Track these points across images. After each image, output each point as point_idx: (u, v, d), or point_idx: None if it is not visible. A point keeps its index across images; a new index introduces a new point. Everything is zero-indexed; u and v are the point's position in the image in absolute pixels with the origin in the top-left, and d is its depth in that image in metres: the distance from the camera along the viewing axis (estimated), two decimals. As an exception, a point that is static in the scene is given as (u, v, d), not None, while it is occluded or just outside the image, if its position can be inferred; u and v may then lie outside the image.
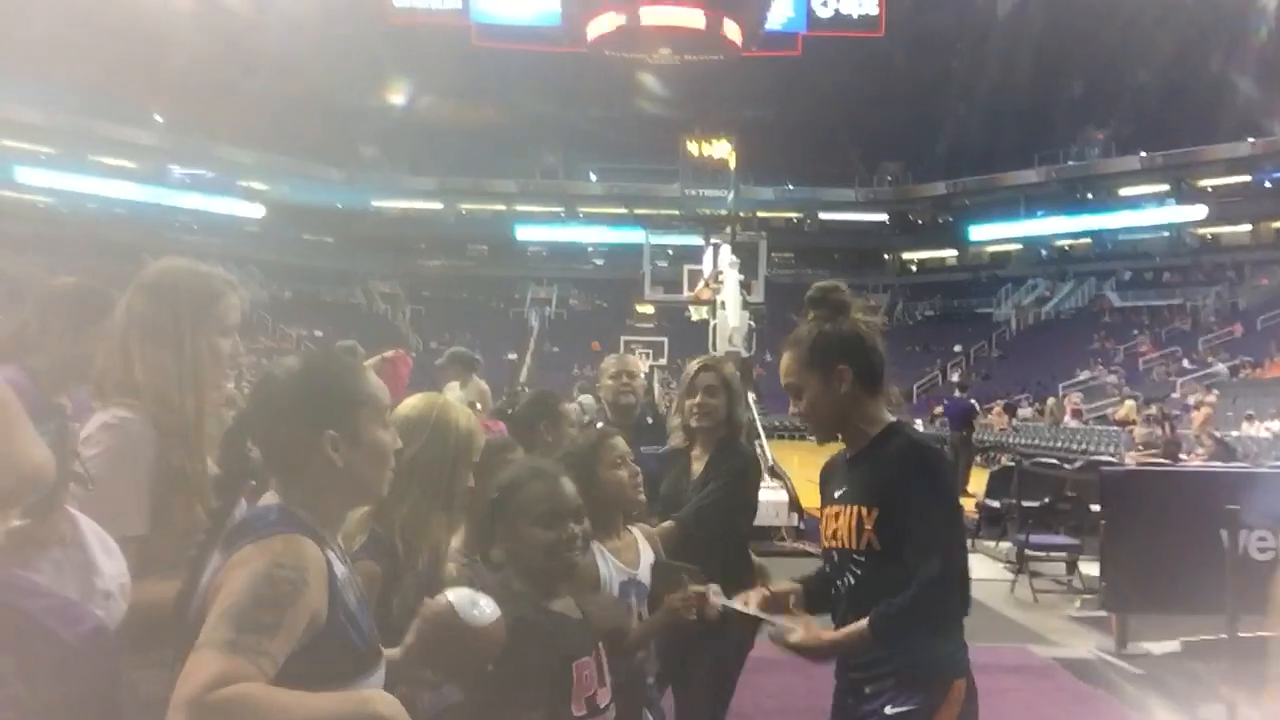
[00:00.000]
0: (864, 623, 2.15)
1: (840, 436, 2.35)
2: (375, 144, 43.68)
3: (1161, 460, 10.18)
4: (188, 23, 29.25)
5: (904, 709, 2.15)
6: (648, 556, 2.71)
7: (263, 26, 30.90)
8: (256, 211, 43.03)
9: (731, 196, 34.42)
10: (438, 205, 46.86)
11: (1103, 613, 7.01)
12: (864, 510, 2.20)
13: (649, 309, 35.16)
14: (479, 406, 6.26)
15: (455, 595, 1.86)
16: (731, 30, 33.74)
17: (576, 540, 2.16)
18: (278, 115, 35.26)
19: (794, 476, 10.53)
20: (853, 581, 2.26)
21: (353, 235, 45.37)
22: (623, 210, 46.45)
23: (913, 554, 2.12)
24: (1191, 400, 22.08)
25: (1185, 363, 29.06)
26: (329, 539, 1.56)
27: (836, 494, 2.32)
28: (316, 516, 1.54)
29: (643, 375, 4.25)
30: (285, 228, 43.46)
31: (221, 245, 39.31)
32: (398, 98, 39.57)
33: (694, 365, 3.55)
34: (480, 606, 1.85)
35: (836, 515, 2.29)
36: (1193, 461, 10.61)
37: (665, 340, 31.24)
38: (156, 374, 1.94)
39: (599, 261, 46.74)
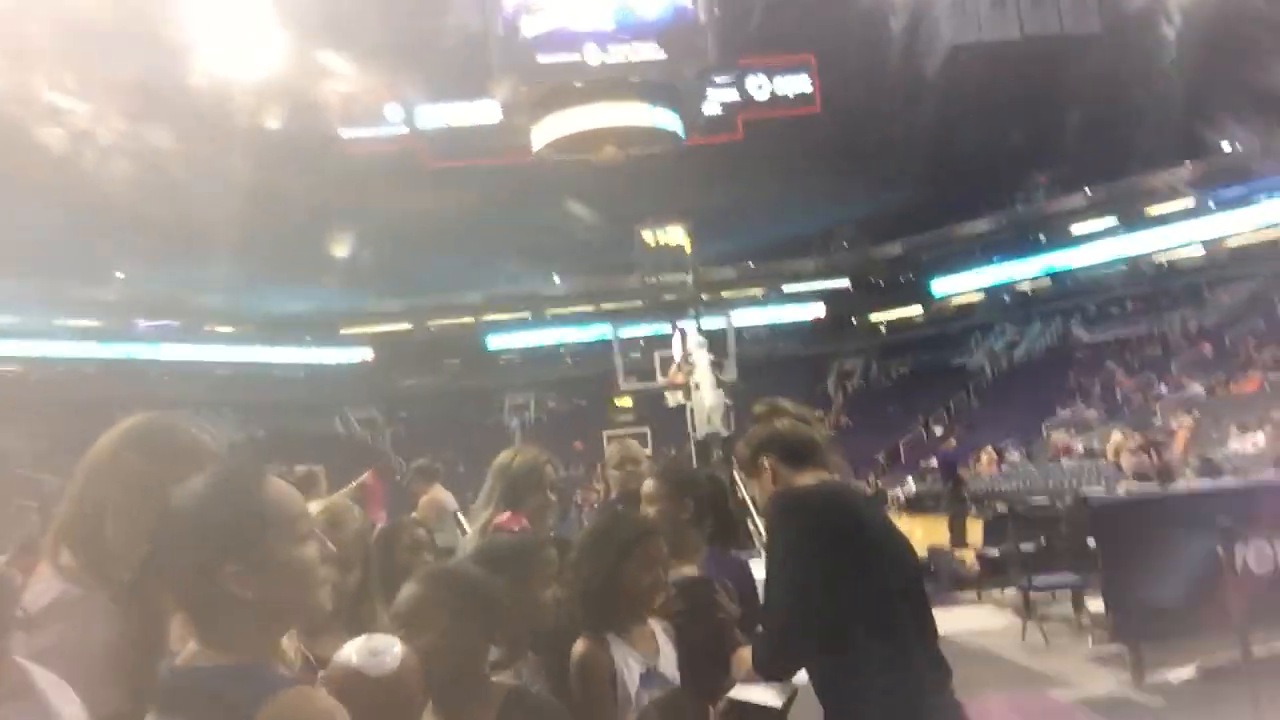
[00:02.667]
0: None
1: None
2: (338, 273, 44.01)
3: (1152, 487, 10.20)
4: (133, 181, 29.56)
5: None
6: (667, 650, 2.57)
7: (210, 172, 31.29)
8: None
9: (690, 279, 34.82)
10: (406, 325, 47.04)
11: (1117, 647, 6.95)
12: None
13: (627, 401, 35.17)
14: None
15: (354, 648, 1.74)
16: (672, 121, 34.56)
17: None
18: (237, 256, 35.53)
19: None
20: None
21: (325, 367, 45.45)
22: (589, 308, 46.84)
23: None
24: (1174, 424, 22.25)
25: (1162, 388, 29.28)
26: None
27: None
28: (254, 656, 1.41)
29: (646, 461, 4.13)
30: (255, 368, 43.49)
31: (194, 391, 39.25)
32: (356, 226, 40.02)
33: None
34: (380, 653, 1.73)
35: None
36: (1182, 484, 10.63)
37: (647, 430, 31.17)
38: (133, 533, 1.80)
39: (571, 361, 46.91)
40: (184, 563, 1.41)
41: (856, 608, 2.28)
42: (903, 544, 2.53)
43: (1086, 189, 41.04)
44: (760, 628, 2.46)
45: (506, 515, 2.73)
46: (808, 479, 2.54)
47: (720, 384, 11.97)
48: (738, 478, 12.13)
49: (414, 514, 6.37)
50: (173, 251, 35.94)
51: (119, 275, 41.38)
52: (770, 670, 2.41)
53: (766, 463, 2.60)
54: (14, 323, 38.00)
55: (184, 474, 1.89)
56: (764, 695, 2.39)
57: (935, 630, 2.45)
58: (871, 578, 2.34)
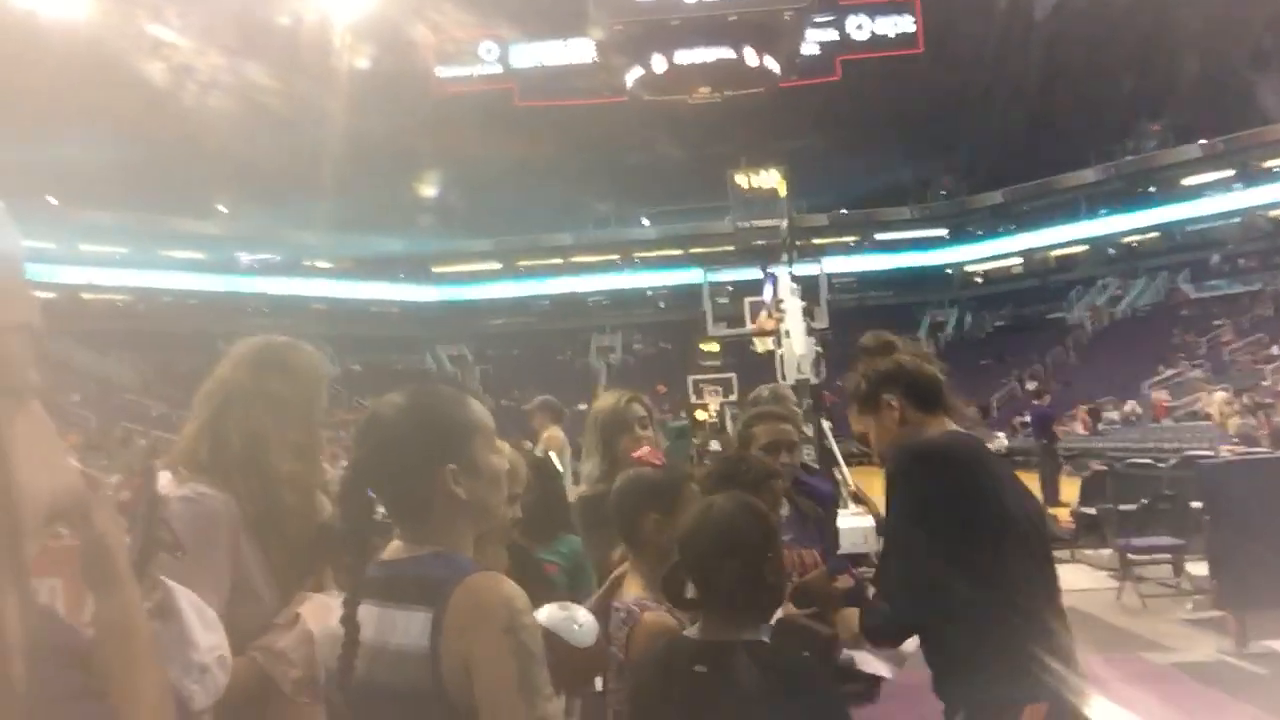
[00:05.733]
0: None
1: None
2: (431, 212, 44.55)
3: (1261, 450, 9.83)
4: (233, 116, 30.19)
5: None
6: None
7: (308, 109, 31.79)
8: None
9: (785, 224, 34.26)
10: (496, 265, 47.53)
11: (1218, 613, 6.72)
12: None
13: (714, 346, 35.03)
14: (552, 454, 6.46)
15: (548, 617, 1.79)
16: (768, 62, 33.89)
17: None
18: (335, 193, 36.19)
19: (880, 501, 10.32)
20: None
21: (417, 303, 46.30)
22: (678, 251, 46.64)
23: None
24: (1282, 387, 21.35)
25: (1274, 349, 28.03)
26: None
27: None
28: (453, 548, 1.58)
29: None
30: (352, 303, 44.53)
31: (292, 325, 40.34)
32: (449, 166, 40.38)
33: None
34: (581, 624, 1.80)
35: None
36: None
37: (734, 376, 31.09)
38: (288, 452, 1.93)
39: (660, 305, 46.89)
40: (409, 464, 1.57)
41: (991, 570, 2.11)
42: (1036, 505, 2.37)
43: (1202, 140, 39.13)
44: (873, 590, 2.28)
45: (645, 450, 2.71)
46: (935, 425, 2.33)
47: (811, 331, 11.79)
48: (825, 427, 12.03)
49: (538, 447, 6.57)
50: (273, 187, 36.78)
51: (221, 209, 42.54)
52: (886, 635, 2.26)
53: (893, 401, 2.35)
54: (123, 253, 39.46)
55: (306, 391, 2.02)
56: (876, 666, 2.30)
57: (1060, 594, 2.32)
58: (1007, 539, 2.19)
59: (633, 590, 2.27)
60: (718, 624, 2.02)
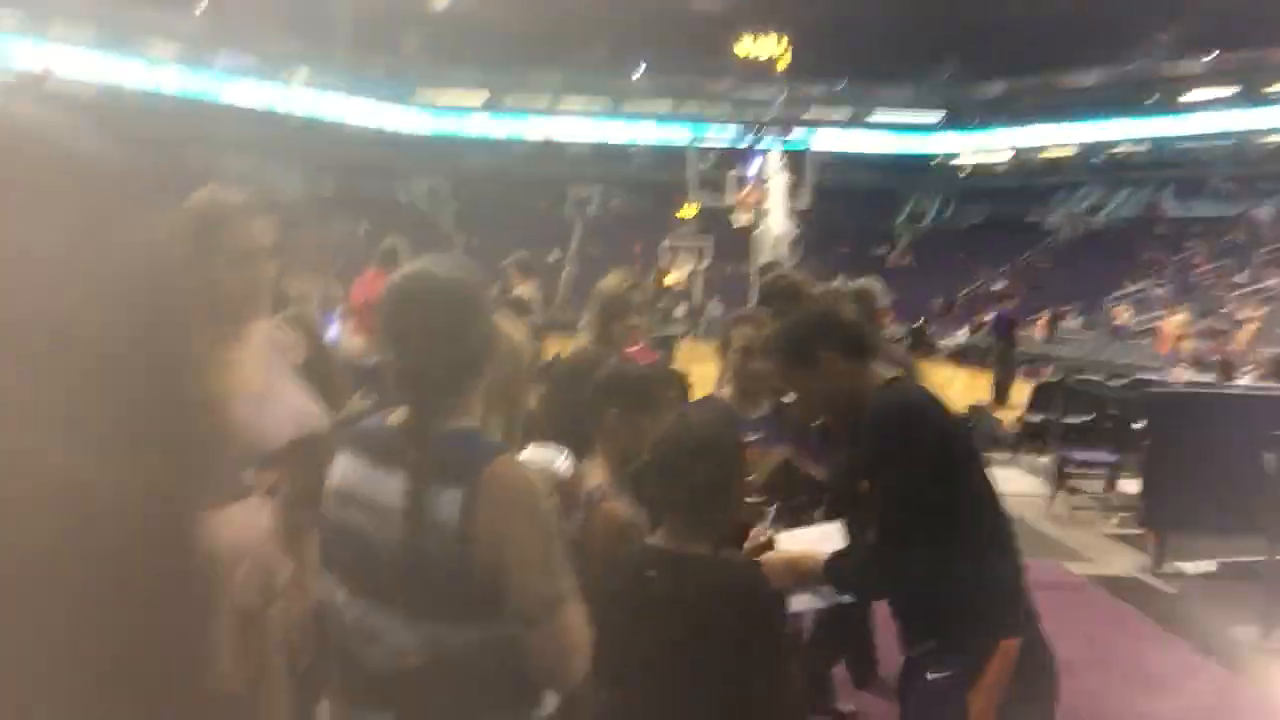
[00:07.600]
0: (820, 560, 2.15)
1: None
2: (418, 37, 43.01)
3: (1209, 380, 10.07)
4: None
5: (941, 674, 2.08)
6: None
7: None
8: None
9: (782, 97, 33.58)
10: (484, 95, 46.26)
11: (1139, 530, 7.03)
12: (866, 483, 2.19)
13: (691, 212, 34.79)
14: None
15: (532, 453, 2.05)
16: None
17: None
18: (319, 7, 34.73)
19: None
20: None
21: (393, 130, 45.11)
22: (668, 108, 45.71)
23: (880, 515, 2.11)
24: (1240, 316, 21.68)
25: (1239, 277, 28.34)
26: None
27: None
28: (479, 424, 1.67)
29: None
30: (329, 125, 43.22)
31: (266, 136, 39.24)
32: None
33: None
34: (561, 460, 2.08)
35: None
36: (1243, 380, 10.46)
37: (709, 242, 30.95)
38: None
39: (643, 162, 46.18)
40: (469, 333, 1.60)
41: (984, 511, 2.15)
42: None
43: (1209, 53, 38.47)
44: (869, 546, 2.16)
45: (639, 347, 2.72)
46: (869, 374, 2.22)
47: (792, 213, 11.78)
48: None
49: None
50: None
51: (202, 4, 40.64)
52: (874, 585, 2.21)
53: (831, 356, 2.17)
54: (93, 39, 37.50)
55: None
56: (806, 602, 2.33)
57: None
58: (987, 480, 2.24)
59: (594, 477, 2.34)
60: (678, 531, 2.07)
